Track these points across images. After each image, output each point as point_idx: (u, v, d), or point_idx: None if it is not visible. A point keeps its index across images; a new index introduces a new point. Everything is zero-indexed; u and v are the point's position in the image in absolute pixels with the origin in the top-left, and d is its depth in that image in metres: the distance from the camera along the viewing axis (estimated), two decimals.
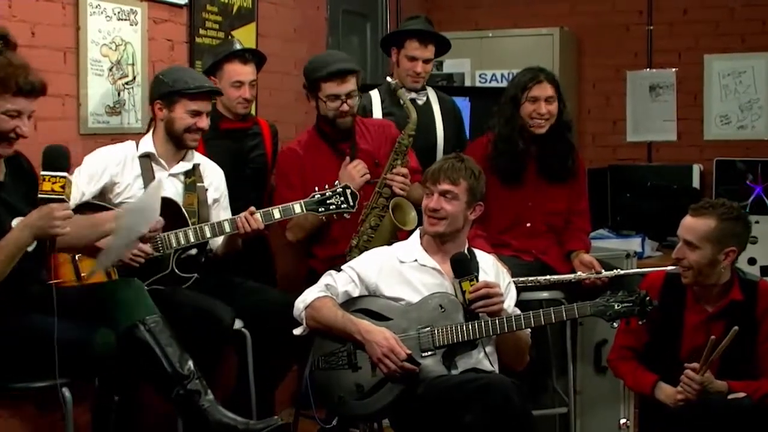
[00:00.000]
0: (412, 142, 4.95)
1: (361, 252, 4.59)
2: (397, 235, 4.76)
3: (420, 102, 5.55)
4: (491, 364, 4.08)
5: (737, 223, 4.09)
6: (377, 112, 5.47)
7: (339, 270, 4.20)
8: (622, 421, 5.15)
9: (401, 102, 5.05)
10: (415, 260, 4.17)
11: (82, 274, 4.17)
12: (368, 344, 3.94)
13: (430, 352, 3.97)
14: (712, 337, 3.92)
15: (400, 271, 4.14)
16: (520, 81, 4.99)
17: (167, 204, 4.43)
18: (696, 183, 7.18)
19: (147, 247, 4.15)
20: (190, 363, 3.80)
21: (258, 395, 4.68)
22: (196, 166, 4.63)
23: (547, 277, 4.75)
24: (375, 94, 5.54)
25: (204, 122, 4.49)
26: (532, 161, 5.01)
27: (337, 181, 4.54)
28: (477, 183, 4.14)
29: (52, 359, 3.52)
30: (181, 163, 4.58)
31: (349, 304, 4.11)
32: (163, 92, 4.48)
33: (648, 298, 3.93)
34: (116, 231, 3.72)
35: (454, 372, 3.97)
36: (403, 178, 4.84)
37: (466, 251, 4.21)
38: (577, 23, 7.80)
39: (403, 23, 5.71)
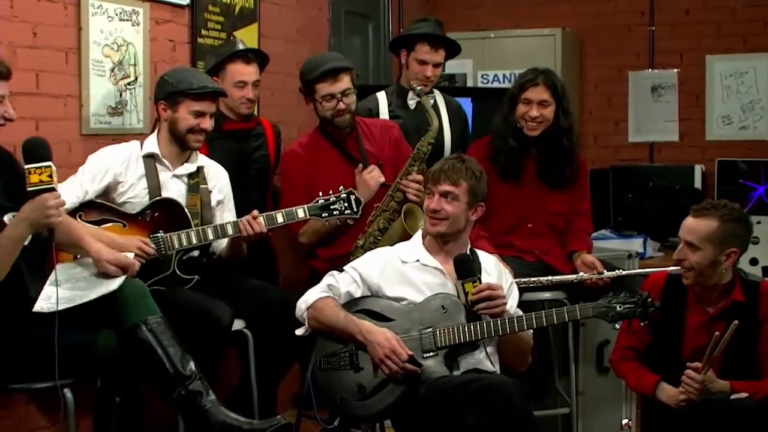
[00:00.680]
0: (431, 149, 4.95)
1: (365, 253, 4.59)
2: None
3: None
4: (493, 364, 4.08)
5: (738, 224, 4.08)
6: (384, 114, 5.46)
7: (341, 270, 4.20)
8: (624, 421, 5.15)
9: (425, 110, 5.08)
10: (417, 260, 4.16)
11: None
12: (370, 345, 3.94)
13: (431, 353, 3.97)
14: (716, 333, 3.91)
15: (403, 271, 4.14)
16: (519, 81, 5.01)
17: (170, 205, 4.45)
18: (698, 183, 7.18)
19: (150, 249, 4.17)
20: (192, 364, 3.80)
21: (260, 395, 4.69)
22: (200, 168, 4.62)
23: (549, 277, 4.75)
24: (382, 96, 5.54)
25: (207, 123, 4.49)
26: (532, 162, 5.01)
27: (341, 186, 4.54)
28: (478, 184, 4.13)
29: (54, 360, 3.52)
30: (185, 164, 4.58)
31: (351, 304, 4.11)
32: (167, 92, 4.48)
33: (650, 299, 3.93)
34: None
35: (455, 372, 3.96)
36: (418, 184, 4.83)
37: (468, 252, 4.21)
38: (579, 24, 7.80)
39: (413, 25, 5.67)
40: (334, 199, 4.50)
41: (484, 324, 3.97)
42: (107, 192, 4.46)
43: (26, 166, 3.47)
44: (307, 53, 6.32)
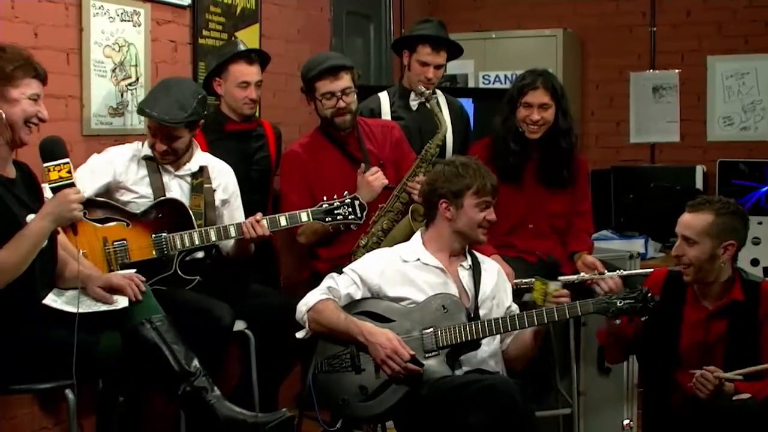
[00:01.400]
0: (438, 152, 4.96)
1: (367, 253, 4.58)
2: None
3: (428, 105, 5.55)
4: (495, 364, 4.08)
5: (734, 217, 4.12)
6: (386, 116, 5.46)
7: (341, 272, 4.20)
8: (626, 421, 5.15)
9: (434, 113, 5.06)
10: (418, 259, 4.17)
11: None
12: (371, 346, 3.94)
13: (433, 353, 3.97)
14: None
15: (404, 271, 4.15)
16: (518, 84, 4.99)
17: (174, 205, 4.45)
18: (699, 184, 7.18)
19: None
20: (196, 361, 3.81)
21: (261, 396, 4.69)
22: (203, 168, 4.62)
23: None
24: (384, 96, 5.54)
25: (161, 148, 4.49)
26: (532, 164, 5.01)
27: (345, 192, 4.53)
28: None
29: (58, 362, 3.55)
30: (186, 164, 4.58)
31: (352, 306, 4.11)
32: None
33: (650, 294, 3.93)
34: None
35: (457, 372, 3.97)
36: None
37: (467, 253, 4.25)
38: (580, 24, 7.80)
39: (416, 26, 5.67)
40: (339, 203, 4.49)
41: (485, 323, 3.97)
42: (109, 192, 4.48)
43: (45, 164, 3.59)
44: (309, 54, 6.31)
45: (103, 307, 3.74)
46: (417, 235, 4.30)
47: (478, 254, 4.32)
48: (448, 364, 3.96)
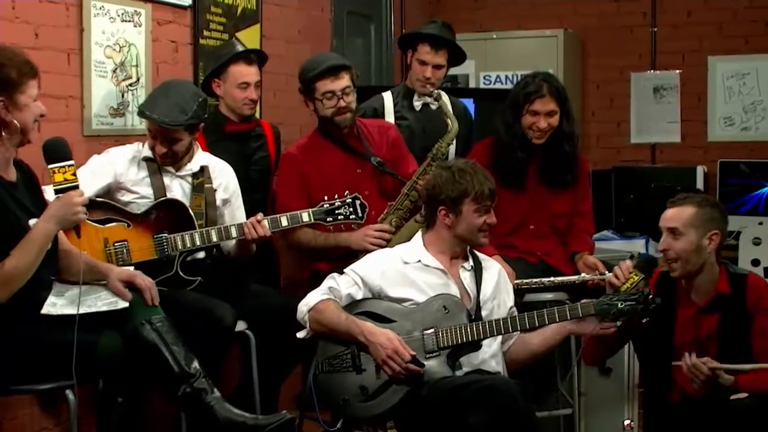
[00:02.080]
0: (449, 150, 4.96)
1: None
2: None
3: (433, 107, 5.55)
4: (496, 365, 4.08)
5: (715, 209, 4.19)
6: (389, 115, 5.47)
7: (342, 273, 4.20)
8: (626, 422, 5.14)
9: (443, 112, 5.08)
10: (419, 261, 4.17)
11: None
12: (372, 346, 3.94)
13: (434, 354, 3.97)
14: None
15: (405, 272, 4.15)
16: (524, 91, 4.97)
17: (175, 205, 4.46)
18: (700, 184, 7.16)
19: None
20: (196, 362, 3.81)
21: (262, 397, 4.69)
22: (204, 168, 4.62)
23: (551, 278, 4.75)
24: (387, 96, 5.54)
25: (161, 150, 4.48)
26: (534, 165, 5.01)
27: (347, 191, 4.54)
28: None
29: (58, 362, 3.54)
30: (187, 165, 4.58)
31: (353, 307, 4.11)
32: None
33: (651, 296, 3.94)
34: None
35: (458, 373, 3.97)
36: None
37: (468, 253, 4.24)
38: (581, 25, 7.80)
39: (421, 26, 5.68)
40: (339, 203, 4.50)
41: (486, 323, 3.98)
42: (110, 193, 4.48)
43: (50, 166, 3.60)
44: (309, 54, 6.31)
45: (104, 308, 3.74)
46: (418, 237, 4.30)
47: (480, 254, 4.32)
48: (449, 365, 3.96)
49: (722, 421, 3.90)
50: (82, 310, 3.66)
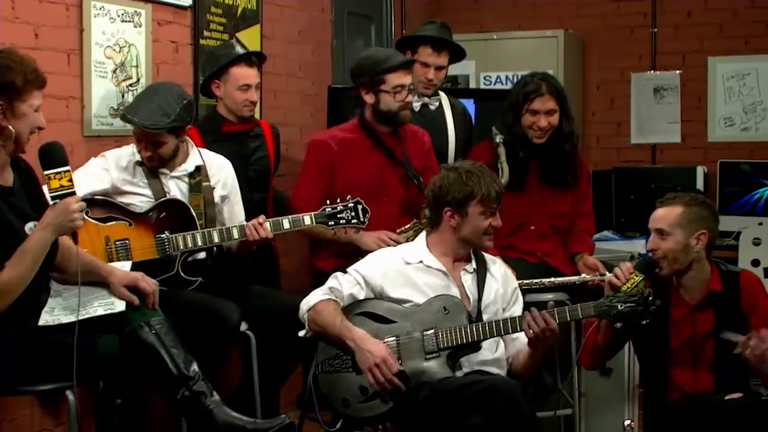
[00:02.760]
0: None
1: None
2: None
3: (432, 107, 5.55)
4: (498, 370, 4.07)
5: (703, 208, 4.20)
6: None
7: (344, 272, 4.19)
8: (627, 422, 5.15)
9: (499, 160, 4.87)
10: (421, 261, 4.16)
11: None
12: (360, 352, 3.92)
13: (434, 354, 3.97)
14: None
15: (406, 273, 4.14)
16: (522, 90, 4.97)
17: (177, 205, 4.46)
18: (700, 185, 7.17)
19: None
20: (195, 365, 3.79)
21: (263, 397, 4.69)
22: (200, 167, 4.62)
23: (552, 279, 4.75)
24: None
25: (146, 153, 4.48)
26: (534, 165, 5.01)
27: (349, 196, 4.54)
28: None
29: (58, 363, 3.54)
30: (182, 165, 4.58)
31: (353, 307, 4.11)
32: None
33: (651, 297, 3.94)
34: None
35: (458, 373, 3.97)
36: None
37: (472, 254, 4.24)
38: (581, 25, 7.80)
39: (420, 27, 5.68)
40: (341, 207, 4.50)
41: (486, 324, 3.97)
42: (109, 197, 4.48)
43: (46, 172, 3.54)
44: (310, 54, 6.34)
45: (101, 311, 3.72)
46: (421, 237, 4.29)
47: (487, 257, 4.31)
48: (449, 366, 3.95)
49: (722, 420, 3.89)
50: (80, 315, 3.64)
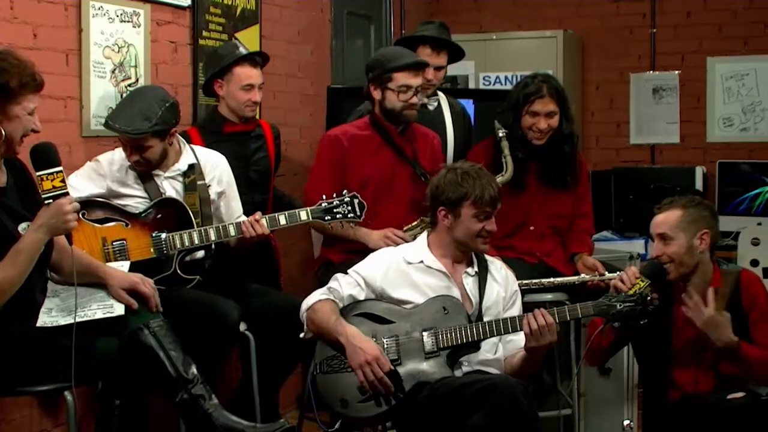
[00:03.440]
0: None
1: None
2: None
3: (431, 107, 5.55)
4: (498, 370, 4.07)
5: (701, 208, 4.21)
6: None
7: (345, 273, 4.19)
8: (626, 422, 5.15)
9: (503, 155, 4.93)
10: (421, 262, 4.16)
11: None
12: (351, 348, 3.92)
13: (433, 354, 3.97)
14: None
15: (406, 273, 4.14)
16: (523, 91, 4.96)
17: (173, 205, 4.45)
18: (699, 185, 7.17)
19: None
20: (194, 368, 3.79)
21: (262, 398, 4.68)
22: (194, 165, 4.61)
23: (551, 279, 4.75)
24: None
25: (133, 158, 4.46)
26: (533, 166, 5.01)
27: (345, 191, 4.53)
28: None
29: (57, 364, 3.52)
30: (175, 165, 4.57)
31: (353, 308, 4.11)
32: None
33: (649, 297, 3.94)
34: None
35: (457, 373, 3.97)
36: None
37: (474, 256, 4.24)
38: (581, 26, 7.80)
39: (418, 27, 5.68)
40: (338, 202, 4.49)
41: (486, 324, 3.97)
42: (108, 197, 4.48)
43: (38, 173, 3.51)
44: (309, 55, 6.33)
45: (99, 314, 3.72)
46: (422, 237, 4.29)
47: (489, 259, 4.31)
48: (448, 365, 3.95)
49: (721, 421, 3.90)
50: (78, 317, 3.62)
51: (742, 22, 7.43)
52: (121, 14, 4.84)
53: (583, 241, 5.11)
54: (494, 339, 4.09)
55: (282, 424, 3.82)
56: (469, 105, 6.13)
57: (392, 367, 3.90)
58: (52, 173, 3.49)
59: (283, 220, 4.50)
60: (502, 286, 4.23)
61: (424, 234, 4.30)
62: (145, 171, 4.49)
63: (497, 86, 7.40)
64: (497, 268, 4.30)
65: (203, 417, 3.75)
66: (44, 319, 3.64)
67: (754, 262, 6.33)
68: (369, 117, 5.04)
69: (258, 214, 4.47)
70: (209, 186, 4.63)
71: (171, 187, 4.54)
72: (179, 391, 3.75)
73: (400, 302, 4.09)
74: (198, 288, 4.45)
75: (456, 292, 4.11)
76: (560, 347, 5.02)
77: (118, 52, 4.85)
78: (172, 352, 3.75)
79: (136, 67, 4.95)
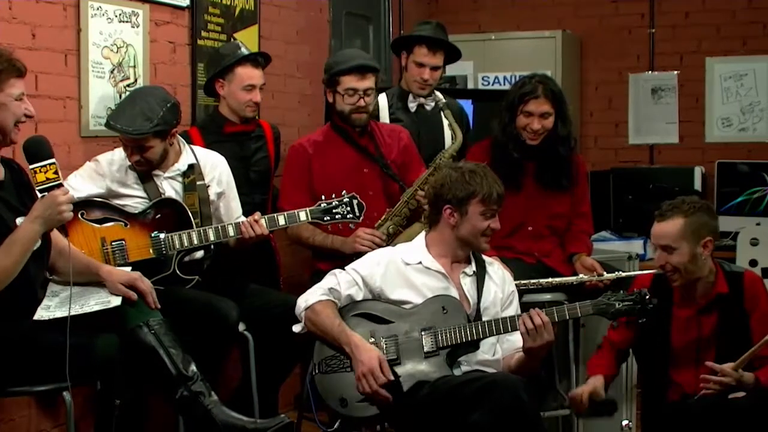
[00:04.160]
0: (452, 162, 4.95)
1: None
2: None
3: (428, 107, 5.55)
4: (497, 370, 4.07)
5: (702, 214, 4.17)
6: (384, 116, 5.47)
7: (344, 269, 4.19)
8: (625, 422, 5.14)
9: (449, 123, 5.17)
10: (420, 262, 4.16)
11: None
12: (354, 359, 3.93)
13: (432, 353, 3.96)
14: (766, 338, 3.97)
15: (405, 274, 4.14)
16: (518, 91, 4.97)
17: (173, 205, 4.46)
18: (698, 185, 7.16)
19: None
20: (193, 365, 3.80)
21: (261, 397, 4.68)
22: (193, 165, 4.61)
23: (550, 279, 4.75)
24: (382, 98, 5.53)
25: (134, 158, 4.47)
26: (531, 166, 5.01)
27: (344, 191, 4.55)
28: None
29: (55, 363, 3.52)
30: (174, 165, 4.58)
31: (351, 308, 4.11)
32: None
33: (648, 296, 3.94)
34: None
35: (456, 372, 3.96)
36: None
37: (472, 254, 4.23)
38: (579, 26, 7.80)
39: (415, 28, 5.68)
40: (337, 203, 4.50)
41: (485, 323, 3.97)
42: (107, 197, 4.47)
43: (31, 166, 3.53)
44: (308, 55, 6.33)
45: (96, 307, 3.72)
46: (420, 237, 4.28)
47: (487, 259, 4.31)
48: (448, 365, 3.95)
49: (720, 421, 3.90)
50: (75, 310, 3.63)
51: (740, 23, 7.43)
52: (120, 14, 4.84)
53: (581, 242, 5.11)
54: (493, 340, 4.09)
55: (282, 419, 3.84)
56: (467, 105, 6.14)
57: (391, 377, 3.89)
58: (45, 165, 3.52)
59: (282, 221, 4.51)
60: (500, 287, 4.23)
61: (422, 234, 4.30)
62: (145, 171, 4.49)
63: (496, 86, 7.40)
64: (494, 268, 4.30)
65: (203, 414, 3.77)
66: (41, 313, 3.66)
67: (753, 263, 6.32)
68: (330, 122, 5.12)
69: (257, 215, 4.48)
70: (209, 186, 4.63)
71: (170, 188, 4.54)
72: (179, 389, 3.77)
73: (399, 303, 4.09)
74: (197, 288, 4.46)
75: (454, 293, 4.11)
76: (558, 347, 5.03)
77: (117, 52, 4.85)
78: (172, 350, 3.76)
79: (134, 67, 4.95)
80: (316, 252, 5.07)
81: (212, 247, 4.57)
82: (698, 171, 7.23)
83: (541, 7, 7.92)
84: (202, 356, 3.88)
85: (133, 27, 4.93)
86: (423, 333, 3.99)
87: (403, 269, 4.15)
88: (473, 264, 4.23)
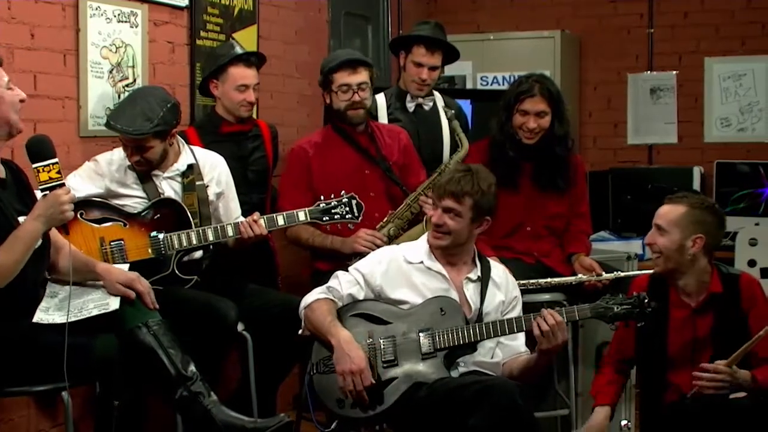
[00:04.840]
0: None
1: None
2: None
3: (426, 107, 5.55)
4: (495, 373, 4.06)
5: (706, 212, 4.18)
6: (383, 116, 5.46)
7: (346, 270, 4.19)
8: (623, 422, 5.13)
9: (456, 132, 5.15)
10: (422, 262, 4.15)
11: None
12: (341, 353, 3.88)
13: (430, 355, 3.96)
14: (760, 333, 3.97)
15: (406, 273, 4.13)
16: (515, 90, 4.98)
17: (172, 205, 4.46)
18: (696, 185, 7.16)
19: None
20: (192, 365, 3.80)
21: (260, 397, 4.68)
22: (192, 165, 4.62)
23: (548, 279, 4.75)
24: (380, 98, 5.52)
25: (133, 159, 4.47)
26: (528, 166, 5.01)
27: (343, 191, 4.56)
28: (483, 198, 4.07)
29: (54, 364, 3.53)
30: (174, 165, 4.58)
31: (350, 307, 4.10)
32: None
33: (646, 300, 3.94)
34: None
35: (453, 374, 3.96)
36: None
37: (477, 257, 4.23)
38: (578, 26, 7.80)
39: (414, 27, 5.69)
40: (336, 203, 4.51)
41: (483, 325, 3.97)
42: (106, 197, 4.47)
43: (34, 165, 3.56)
44: (307, 55, 6.33)
45: (95, 311, 3.72)
46: (423, 238, 4.28)
47: (492, 263, 4.29)
48: (445, 366, 3.95)
49: (719, 421, 3.90)
50: (74, 317, 3.64)
51: (739, 23, 7.43)
52: (119, 14, 4.84)
53: (580, 242, 5.11)
54: (491, 343, 4.08)
55: (281, 418, 3.84)
56: (466, 105, 6.14)
57: (374, 382, 3.88)
58: (48, 165, 3.55)
59: (281, 221, 4.51)
60: (503, 292, 4.22)
61: (426, 234, 4.29)
62: (145, 171, 4.49)
63: (495, 86, 7.40)
64: (499, 273, 4.28)
65: (203, 413, 3.77)
66: (40, 316, 3.66)
67: (752, 263, 6.33)
68: (330, 123, 5.12)
69: (256, 215, 4.49)
70: (208, 186, 4.63)
71: (169, 188, 4.54)
72: (178, 389, 3.77)
73: (397, 302, 4.09)
74: (196, 288, 4.46)
75: (454, 295, 4.10)
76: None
77: (116, 52, 4.85)
78: (171, 350, 3.76)
79: (133, 67, 4.95)
80: (315, 252, 5.07)
81: (211, 247, 4.57)
82: (697, 171, 7.23)
83: (540, 7, 7.92)
84: (201, 356, 3.89)
85: (131, 27, 4.92)
86: (421, 334, 3.98)
87: (404, 268, 4.15)
88: (478, 268, 4.21)
